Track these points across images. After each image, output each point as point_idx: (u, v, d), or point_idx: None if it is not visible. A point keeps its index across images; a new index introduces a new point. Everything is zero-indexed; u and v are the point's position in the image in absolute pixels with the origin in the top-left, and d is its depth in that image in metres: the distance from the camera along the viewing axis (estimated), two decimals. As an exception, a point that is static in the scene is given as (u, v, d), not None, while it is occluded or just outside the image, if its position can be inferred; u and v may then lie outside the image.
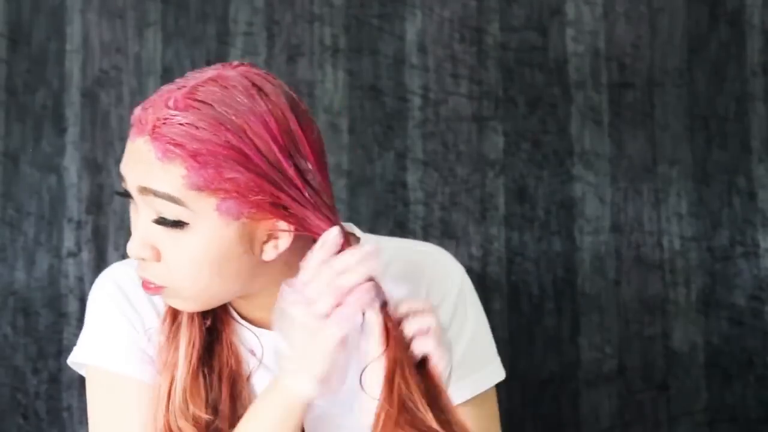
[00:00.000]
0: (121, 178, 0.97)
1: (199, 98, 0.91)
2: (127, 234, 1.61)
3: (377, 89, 1.66)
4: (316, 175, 0.92)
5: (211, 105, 0.90)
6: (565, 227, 1.66)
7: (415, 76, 1.66)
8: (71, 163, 1.62)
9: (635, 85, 1.69)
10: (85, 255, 1.61)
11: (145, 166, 0.92)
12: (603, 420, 1.63)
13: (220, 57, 1.64)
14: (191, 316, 1.01)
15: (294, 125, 0.92)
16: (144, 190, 0.93)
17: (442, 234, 1.64)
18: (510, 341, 1.63)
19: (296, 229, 0.93)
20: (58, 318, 1.60)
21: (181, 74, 1.64)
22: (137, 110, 0.95)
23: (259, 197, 0.91)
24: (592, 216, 1.66)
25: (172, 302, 0.99)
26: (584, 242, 1.66)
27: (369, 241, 1.04)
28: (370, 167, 1.65)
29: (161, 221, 0.94)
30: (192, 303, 0.99)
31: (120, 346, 1.06)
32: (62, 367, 1.59)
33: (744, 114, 1.69)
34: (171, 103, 0.91)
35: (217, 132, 0.90)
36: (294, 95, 0.95)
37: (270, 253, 0.95)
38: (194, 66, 1.64)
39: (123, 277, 1.10)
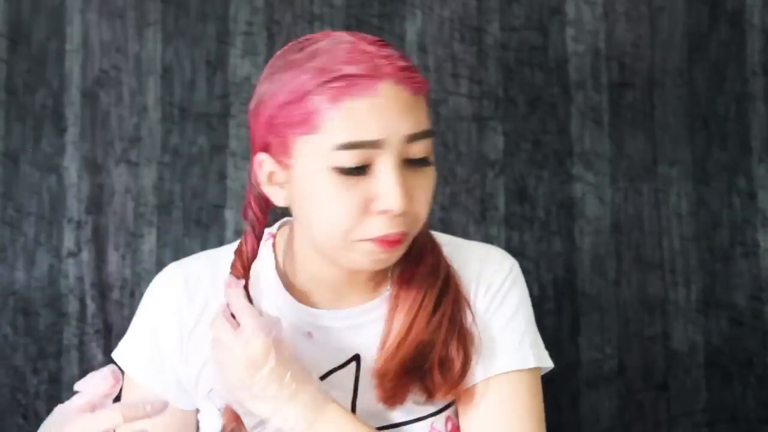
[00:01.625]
0: (359, 145, 0.90)
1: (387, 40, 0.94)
2: (127, 234, 1.61)
3: (377, 89, 1.65)
4: None
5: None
6: (565, 227, 1.66)
7: (415, 76, 1.66)
8: (71, 163, 1.62)
9: (635, 85, 1.68)
10: (85, 255, 1.61)
11: (403, 111, 0.90)
12: (603, 420, 1.63)
13: (220, 57, 1.65)
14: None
15: None
16: (410, 138, 0.91)
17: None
18: (510, 341, 1.63)
19: None
20: (58, 318, 1.60)
21: (181, 74, 1.65)
22: (346, 68, 0.90)
23: None
24: (592, 216, 1.66)
25: (392, 258, 0.97)
26: (584, 242, 1.66)
27: (443, 239, 1.10)
28: (370, 167, 1.65)
29: (412, 162, 0.92)
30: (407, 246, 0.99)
31: (151, 365, 1.07)
32: (62, 367, 1.59)
33: (744, 114, 1.69)
34: (378, 44, 0.92)
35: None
36: None
37: None
38: (194, 66, 1.64)
39: (195, 277, 1.08)
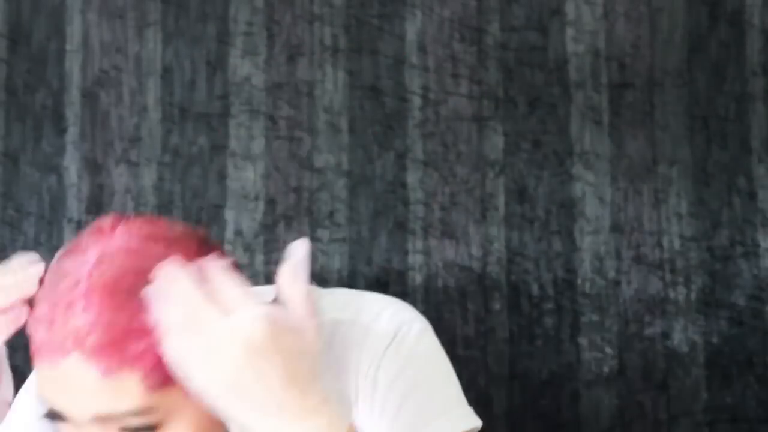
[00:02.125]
0: (48, 404, 0.79)
1: (109, 286, 0.75)
2: (127, 234, 1.61)
3: (377, 89, 1.66)
4: None
5: (123, 288, 0.75)
6: (565, 227, 1.66)
7: (415, 76, 1.66)
8: (71, 163, 1.62)
9: (635, 85, 1.68)
10: (85, 255, 1.61)
11: (91, 391, 0.75)
12: (603, 420, 1.63)
13: (220, 57, 1.64)
14: None
15: None
16: (103, 418, 0.76)
17: (442, 234, 1.64)
18: (510, 341, 1.63)
19: None
20: (58, 318, 1.59)
21: (181, 74, 1.64)
22: (39, 334, 0.78)
23: None
24: (592, 216, 1.66)
25: None
26: (584, 242, 1.66)
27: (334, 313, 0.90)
28: (370, 167, 1.65)
29: (146, 428, 0.76)
30: None
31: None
32: (62, 367, 1.59)
33: (744, 114, 1.69)
34: (80, 307, 0.74)
35: (147, 315, 0.73)
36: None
37: None
38: (194, 66, 1.64)
39: None
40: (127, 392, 0.75)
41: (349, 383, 0.89)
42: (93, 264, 0.76)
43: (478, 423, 0.91)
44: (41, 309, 0.78)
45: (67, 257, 0.79)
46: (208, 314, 0.70)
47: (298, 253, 0.76)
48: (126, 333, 0.74)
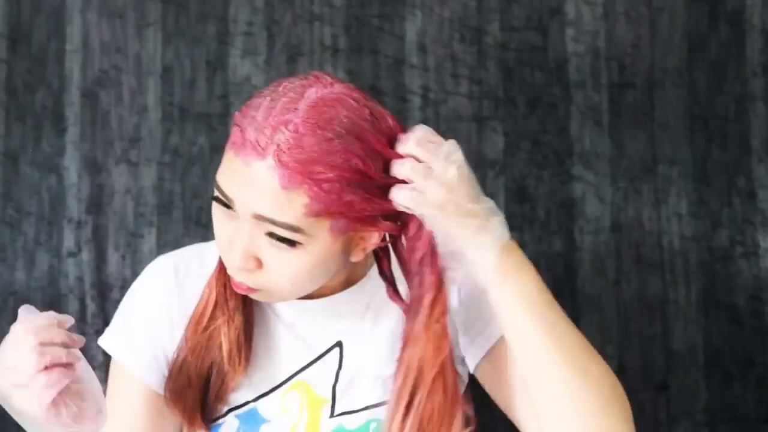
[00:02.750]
0: (220, 191, 0.94)
1: (322, 122, 0.90)
2: (127, 234, 1.61)
3: (377, 89, 1.66)
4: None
5: (334, 129, 0.90)
6: (565, 227, 1.66)
7: (415, 76, 1.66)
8: (71, 163, 1.62)
9: (635, 85, 1.69)
10: (85, 255, 1.61)
11: (266, 194, 0.90)
12: (603, 420, 1.63)
13: (220, 57, 1.64)
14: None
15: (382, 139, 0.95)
16: (260, 218, 0.91)
17: (442, 234, 1.64)
18: (510, 341, 1.63)
19: (392, 233, 0.97)
20: (58, 318, 1.59)
21: (181, 74, 1.64)
22: (249, 129, 0.90)
23: (370, 213, 0.93)
24: (592, 216, 1.66)
25: (260, 297, 1.00)
26: (584, 242, 1.66)
27: None
28: (370, 167, 1.65)
29: (274, 237, 0.92)
30: (282, 300, 1.03)
31: (139, 348, 1.09)
32: (62, 367, 1.59)
33: (744, 114, 1.69)
34: (291, 127, 0.89)
35: (343, 156, 0.89)
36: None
37: (359, 255, 0.99)
38: (194, 66, 1.64)
39: (185, 267, 1.10)
40: (292, 208, 0.89)
41: None
42: (314, 100, 0.91)
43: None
44: (257, 113, 0.90)
45: (288, 84, 0.93)
46: (430, 151, 0.94)
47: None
48: (317, 162, 0.88)
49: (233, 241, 0.94)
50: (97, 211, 1.62)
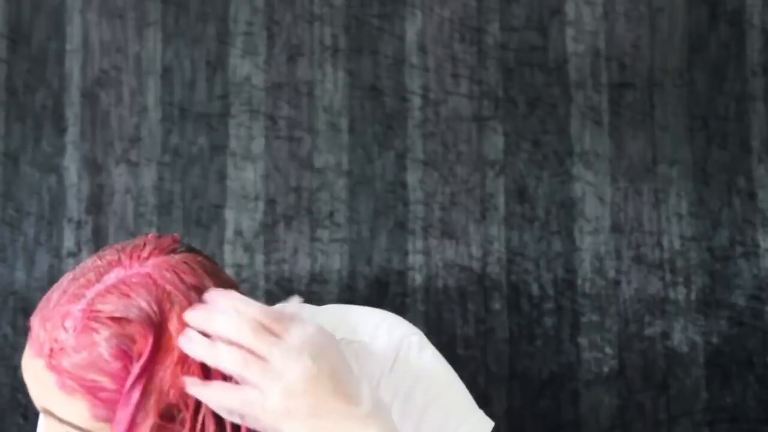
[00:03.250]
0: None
1: (99, 318, 0.79)
2: (127, 234, 1.61)
3: (377, 89, 1.66)
4: None
5: (110, 327, 0.79)
6: (565, 227, 1.66)
7: (415, 76, 1.66)
8: (71, 163, 1.62)
9: (635, 85, 1.69)
10: (85, 255, 1.61)
11: (46, 391, 0.81)
12: (603, 420, 1.63)
13: (220, 57, 1.64)
14: None
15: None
16: (47, 413, 0.82)
17: (442, 234, 1.64)
18: (510, 341, 1.63)
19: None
20: (58, 318, 1.60)
21: (181, 74, 1.64)
22: (35, 318, 0.81)
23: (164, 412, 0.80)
24: (592, 216, 1.66)
25: None
26: (584, 242, 1.66)
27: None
28: (370, 167, 1.65)
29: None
30: None
31: None
32: (62, 367, 1.59)
33: (744, 114, 1.69)
34: (68, 323, 0.79)
35: (118, 359, 0.79)
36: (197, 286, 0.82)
37: None
38: (194, 66, 1.64)
39: None
40: (77, 410, 0.80)
41: None
42: (107, 287, 0.81)
43: (491, 424, 0.94)
44: (51, 295, 0.83)
45: (98, 258, 0.84)
46: (265, 342, 0.76)
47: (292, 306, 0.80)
48: (95, 370, 0.79)
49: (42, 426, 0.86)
50: (97, 211, 1.62)
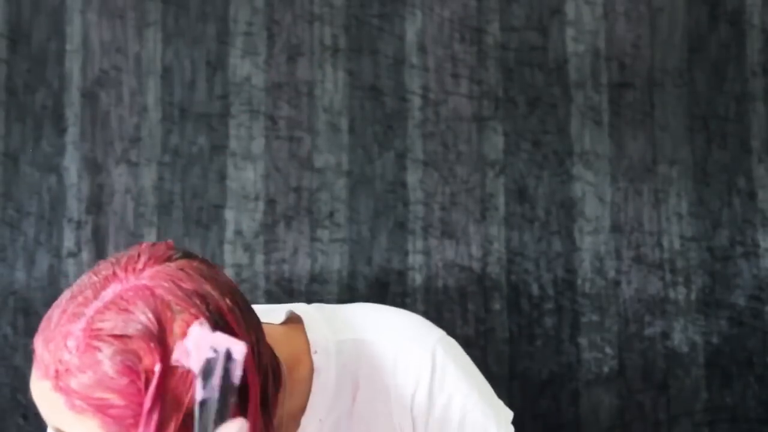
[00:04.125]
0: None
1: (101, 336, 0.78)
2: (127, 234, 1.61)
3: (377, 89, 1.66)
4: None
5: (112, 344, 0.78)
6: (565, 227, 1.66)
7: (415, 76, 1.66)
8: (71, 163, 1.62)
9: (635, 85, 1.68)
10: (85, 255, 1.61)
11: (57, 412, 0.80)
12: (603, 420, 1.63)
13: (220, 57, 1.64)
14: None
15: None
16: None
17: (442, 234, 1.64)
18: (510, 341, 1.63)
19: None
20: (58, 318, 1.60)
21: (181, 74, 1.64)
22: (38, 338, 0.81)
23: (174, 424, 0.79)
24: (592, 216, 1.66)
25: None
26: (584, 242, 1.66)
27: (320, 341, 0.94)
28: (370, 167, 1.65)
29: None
30: None
31: None
32: (62, 367, 1.59)
33: (744, 114, 1.69)
34: (71, 343, 0.78)
35: (124, 375, 0.78)
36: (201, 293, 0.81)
37: None
38: (194, 66, 1.64)
39: None
40: (86, 428, 0.79)
41: (391, 407, 0.95)
42: (106, 303, 0.80)
43: (511, 414, 1.00)
44: (52, 314, 0.81)
45: (94, 274, 0.82)
46: None
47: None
48: (102, 388, 0.78)
49: None
50: (97, 211, 1.62)
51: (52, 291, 1.60)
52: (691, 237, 1.67)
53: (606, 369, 1.64)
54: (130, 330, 0.78)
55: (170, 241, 0.86)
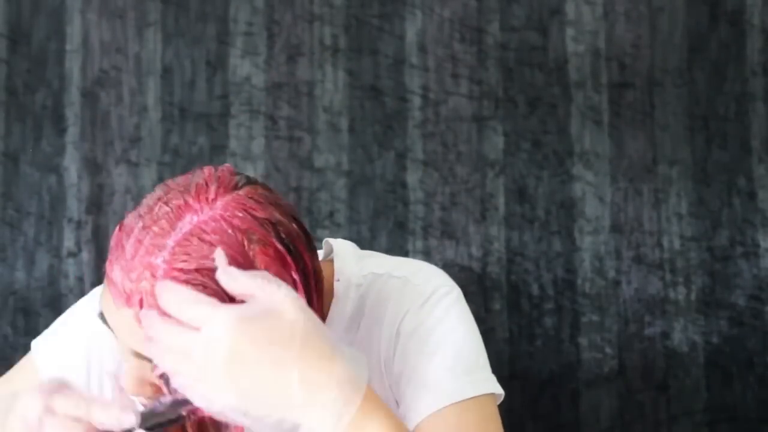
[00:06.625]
0: (103, 319, 0.85)
1: (187, 267, 0.79)
2: (127, 234, 1.61)
3: (377, 89, 1.66)
4: None
5: (198, 272, 0.79)
6: (565, 227, 1.66)
7: (415, 76, 1.66)
8: (71, 163, 1.62)
9: (635, 85, 1.69)
10: (85, 255, 1.61)
11: (139, 337, 0.80)
12: (603, 420, 1.63)
13: (220, 57, 1.64)
14: None
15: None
16: (139, 356, 0.82)
17: (442, 234, 1.64)
18: (510, 341, 1.63)
19: None
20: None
21: (181, 74, 1.64)
22: (115, 268, 0.81)
23: None
24: (592, 216, 1.66)
25: None
26: (584, 242, 1.66)
27: (345, 270, 0.95)
28: (370, 167, 1.65)
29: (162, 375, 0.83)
30: None
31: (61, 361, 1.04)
32: (62, 367, 1.59)
33: (744, 114, 1.69)
34: (159, 273, 0.79)
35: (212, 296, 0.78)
36: (277, 221, 0.83)
37: None
38: (194, 66, 1.64)
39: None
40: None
41: (381, 333, 0.94)
42: (185, 234, 0.80)
43: (500, 391, 0.94)
44: (126, 243, 0.81)
45: (163, 203, 0.82)
46: (183, 339, 0.74)
47: (220, 260, 0.78)
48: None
49: (125, 365, 0.86)
50: (97, 211, 1.62)
51: (52, 291, 1.60)
52: (691, 237, 1.67)
53: (606, 369, 1.64)
54: (212, 263, 0.79)
55: (229, 165, 0.86)
